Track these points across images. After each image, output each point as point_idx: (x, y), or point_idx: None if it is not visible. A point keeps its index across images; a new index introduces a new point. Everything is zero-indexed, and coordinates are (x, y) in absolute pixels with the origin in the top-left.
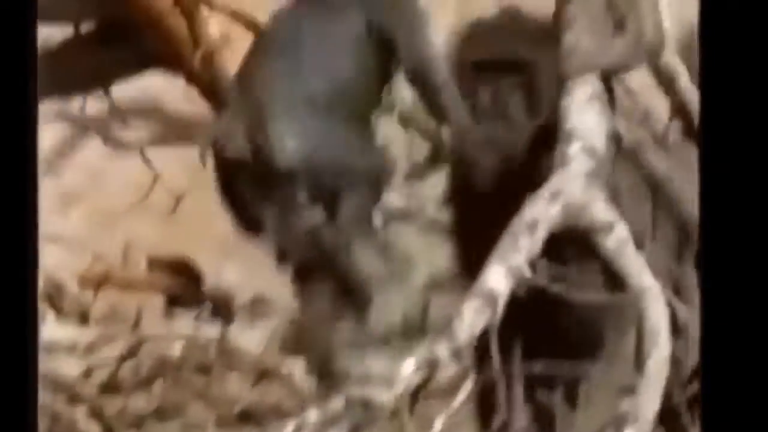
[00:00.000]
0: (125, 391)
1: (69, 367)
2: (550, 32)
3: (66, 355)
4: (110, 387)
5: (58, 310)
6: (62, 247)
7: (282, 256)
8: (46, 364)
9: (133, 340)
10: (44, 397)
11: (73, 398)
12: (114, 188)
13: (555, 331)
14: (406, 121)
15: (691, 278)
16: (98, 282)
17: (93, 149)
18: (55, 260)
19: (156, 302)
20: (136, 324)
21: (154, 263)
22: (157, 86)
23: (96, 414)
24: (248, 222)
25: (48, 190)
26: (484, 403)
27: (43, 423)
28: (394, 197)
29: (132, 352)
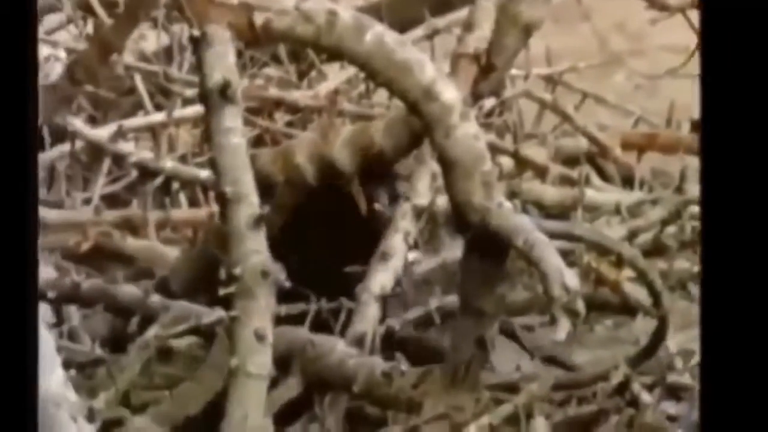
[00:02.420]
0: (669, 254)
1: (613, 230)
2: None
3: (610, 218)
4: (654, 249)
5: (602, 173)
6: (606, 110)
7: None
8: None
9: (676, 202)
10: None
11: (617, 262)
12: (657, 51)
13: None
14: None
15: None
16: (642, 145)
17: (635, 12)
18: (599, 122)
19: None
20: (680, 187)
21: (698, 126)
22: None
23: (641, 276)
24: None
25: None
26: None
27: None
28: None
29: (675, 215)
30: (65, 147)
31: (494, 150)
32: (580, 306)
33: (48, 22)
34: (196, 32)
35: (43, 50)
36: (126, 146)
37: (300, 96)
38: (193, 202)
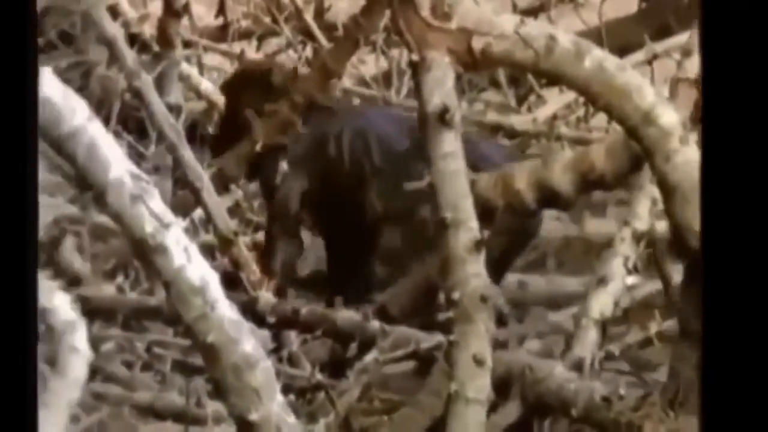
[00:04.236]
0: None
1: None
2: None
3: None
4: None
5: None
6: None
7: None
8: None
9: None
10: None
11: None
12: None
13: None
14: None
15: None
16: None
17: None
18: None
19: None
20: None
21: None
22: None
23: None
24: None
25: None
26: None
27: None
28: None
29: None
30: None
31: None
32: None
33: (268, 46)
34: (415, 57)
35: None
36: None
37: (518, 121)
38: None
